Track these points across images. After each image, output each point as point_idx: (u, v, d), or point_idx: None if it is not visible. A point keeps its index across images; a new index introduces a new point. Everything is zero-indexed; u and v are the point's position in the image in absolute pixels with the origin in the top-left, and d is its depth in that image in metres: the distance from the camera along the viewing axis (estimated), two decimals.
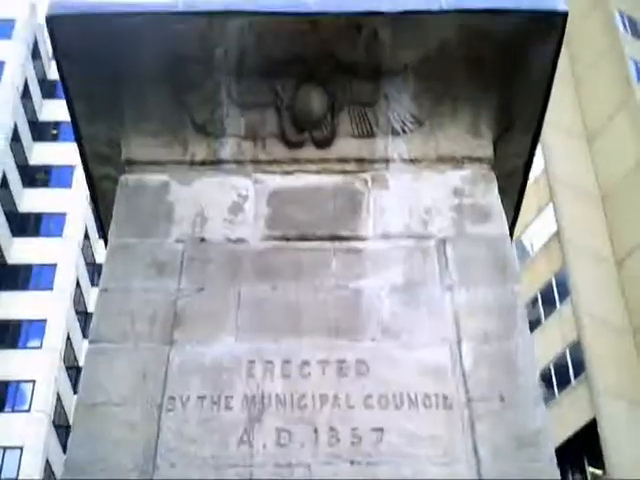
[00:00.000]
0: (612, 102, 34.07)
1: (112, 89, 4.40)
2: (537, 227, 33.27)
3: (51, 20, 4.08)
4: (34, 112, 52.88)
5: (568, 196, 32.53)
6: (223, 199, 4.33)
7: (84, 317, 47.22)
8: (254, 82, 4.44)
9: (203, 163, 4.45)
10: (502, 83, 4.39)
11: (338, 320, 3.90)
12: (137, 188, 4.39)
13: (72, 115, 4.56)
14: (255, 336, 3.86)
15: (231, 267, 4.10)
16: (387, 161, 4.42)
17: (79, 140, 4.66)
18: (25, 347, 44.02)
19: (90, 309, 46.20)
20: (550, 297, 31.70)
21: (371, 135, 4.44)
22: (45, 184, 51.30)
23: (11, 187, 48.45)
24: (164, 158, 4.44)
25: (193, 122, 4.46)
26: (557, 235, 31.83)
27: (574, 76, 36.29)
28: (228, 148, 4.46)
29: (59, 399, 42.66)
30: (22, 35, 51.24)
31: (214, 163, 4.45)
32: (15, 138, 49.31)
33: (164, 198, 4.33)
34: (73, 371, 44.50)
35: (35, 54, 52.59)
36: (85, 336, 43.41)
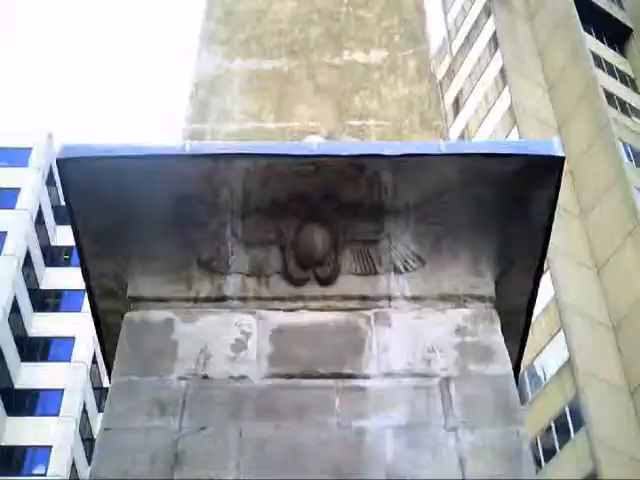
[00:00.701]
0: (619, 231, 34.39)
1: (119, 228, 4.50)
2: (549, 353, 33.04)
3: (61, 164, 4.23)
4: (47, 237, 53.62)
5: (579, 324, 32.41)
6: (227, 336, 4.36)
7: (90, 444, 46.52)
8: (258, 221, 4.54)
9: (207, 300, 4.50)
10: (502, 224, 4.48)
11: (341, 461, 3.85)
12: (141, 325, 4.43)
13: (80, 252, 4.65)
14: (257, 476, 3.81)
15: (233, 405, 4.08)
16: (390, 299, 4.46)
17: (86, 275, 4.73)
18: (30, 474, 43.22)
19: (96, 435, 45.49)
20: (564, 426, 31.17)
21: (374, 273, 4.50)
22: (55, 308, 51.52)
23: (22, 311, 48.64)
24: (169, 295, 4.50)
25: (198, 259, 4.54)
26: (569, 363, 31.52)
27: (580, 206, 36.76)
28: (232, 285, 4.51)
29: None
30: (38, 163, 52.55)
31: (218, 300, 4.50)
32: (27, 263, 49.83)
33: (168, 336, 4.36)
34: None
35: (50, 180, 53.77)
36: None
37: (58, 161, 4.24)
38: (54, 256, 53.34)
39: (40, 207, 52.43)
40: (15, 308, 47.59)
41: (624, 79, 45.34)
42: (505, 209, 4.44)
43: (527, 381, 33.35)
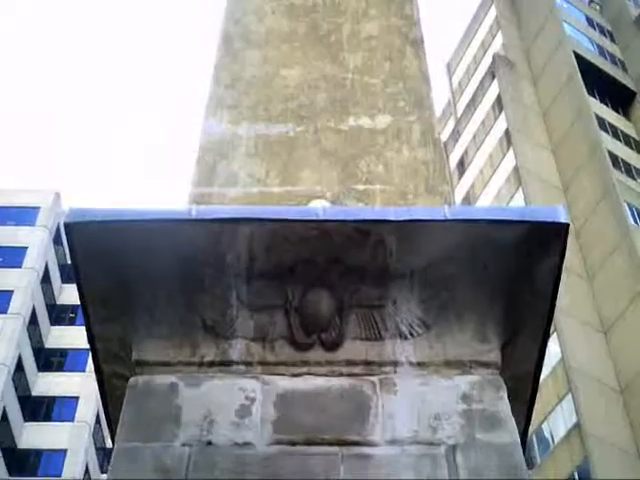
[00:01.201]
0: (626, 294, 34.27)
1: (125, 292, 4.51)
2: (557, 417, 32.68)
3: (69, 228, 4.25)
4: (53, 295, 53.65)
5: (587, 387, 32.10)
6: (231, 401, 4.32)
7: None
8: (264, 285, 4.54)
9: (212, 364, 4.47)
10: (507, 290, 4.47)
11: None
12: (145, 390, 4.40)
13: (85, 315, 4.65)
14: None
15: (237, 472, 4.04)
16: (395, 364, 4.43)
17: (91, 338, 4.72)
18: None
19: None
20: None
21: (379, 338, 4.48)
22: (60, 368, 51.31)
23: (26, 370, 48.43)
24: (173, 359, 4.48)
25: (203, 323, 4.53)
26: (577, 427, 31.14)
27: (587, 267, 36.70)
28: (237, 350, 4.49)
29: None
30: (45, 221, 52.87)
31: (223, 364, 4.47)
32: (33, 322, 49.78)
33: (172, 401, 4.33)
34: None
35: (57, 239, 54.02)
36: None
37: (66, 225, 4.27)
38: (60, 314, 53.30)
39: (47, 265, 52.58)
40: (19, 367, 47.41)
41: (628, 142, 45.65)
42: (511, 275, 4.44)
43: (535, 445, 32.94)
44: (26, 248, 51.32)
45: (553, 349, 31.92)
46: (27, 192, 54.12)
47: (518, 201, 40.54)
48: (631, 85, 49.42)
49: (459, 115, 53.66)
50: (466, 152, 50.07)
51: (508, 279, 4.45)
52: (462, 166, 49.97)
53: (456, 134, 52.26)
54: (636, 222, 37.74)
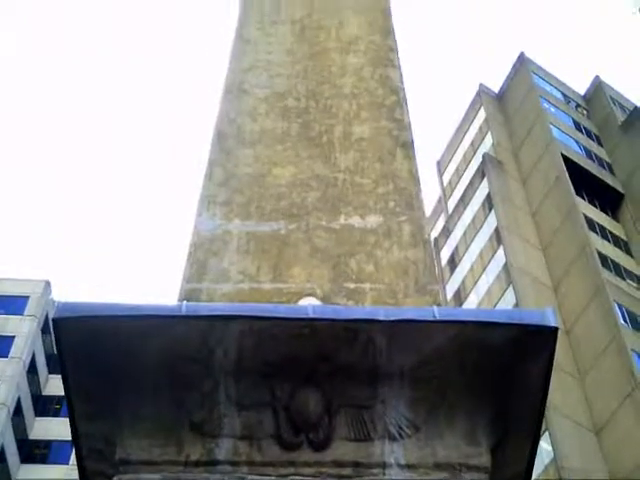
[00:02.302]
0: (617, 394, 34.03)
1: (111, 388, 4.47)
2: None
3: (56, 323, 4.24)
4: (39, 386, 52.96)
5: None
6: None
7: None
8: (252, 383, 4.51)
9: (198, 464, 4.40)
10: (497, 392, 4.46)
11: None
12: None
13: (70, 411, 4.59)
14: None
15: None
16: (384, 466, 4.38)
17: (75, 435, 4.65)
18: None
19: None
20: None
21: (367, 439, 4.43)
22: (43, 460, 50.31)
23: (9, 462, 47.46)
24: (158, 458, 4.41)
25: (190, 421, 4.47)
26: None
27: (578, 366, 36.54)
28: (224, 449, 4.43)
29: None
30: (34, 311, 52.60)
31: (209, 464, 4.40)
32: (17, 413, 48.99)
33: None
34: None
35: (45, 328, 53.66)
36: None
37: (53, 320, 4.26)
38: (45, 405, 52.46)
39: (34, 355, 52.02)
40: (1, 457, 46.39)
41: (617, 242, 46.09)
42: (500, 377, 4.43)
43: None
44: (13, 337, 50.90)
45: (545, 448, 31.45)
46: (17, 281, 53.97)
47: (509, 299, 40.61)
48: (619, 187, 50.18)
49: (450, 212, 54.21)
50: (457, 249, 50.38)
51: (498, 381, 4.44)
52: (453, 263, 50.20)
53: (447, 231, 52.69)
54: (626, 322, 37.76)
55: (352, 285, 5.47)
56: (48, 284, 54.96)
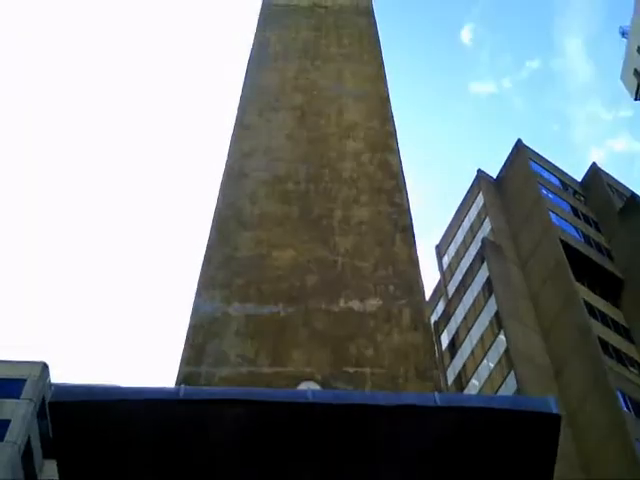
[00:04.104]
0: None
1: (106, 474, 4.39)
2: None
3: (53, 407, 4.20)
4: (33, 470, 52.00)
5: None
6: None
7: None
8: (250, 463, 4.44)
9: None
10: (501, 478, 4.37)
11: None
12: None
13: None
14: None
15: None
16: None
17: None
18: None
19: None
20: None
21: None
22: None
23: None
24: None
25: None
26: None
27: (581, 455, 35.95)
28: None
29: None
30: (31, 394, 52.03)
31: None
32: None
33: None
34: None
35: (41, 411, 52.91)
36: None
37: (50, 404, 4.21)
38: None
39: (29, 439, 51.25)
40: None
41: (618, 329, 45.89)
42: (503, 462, 4.36)
43: None
44: (9, 421, 50.23)
45: None
46: (14, 364, 53.56)
47: (511, 384, 40.21)
48: (618, 273, 50.23)
49: (450, 296, 54.14)
50: (457, 333, 50.13)
51: (500, 467, 4.36)
52: (453, 347, 49.88)
53: (447, 315, 52.52)
54: (629, 410, 37.30)
55: (352, 369, 5.42)
56: (46, 366, 54.54)
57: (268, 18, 9.46)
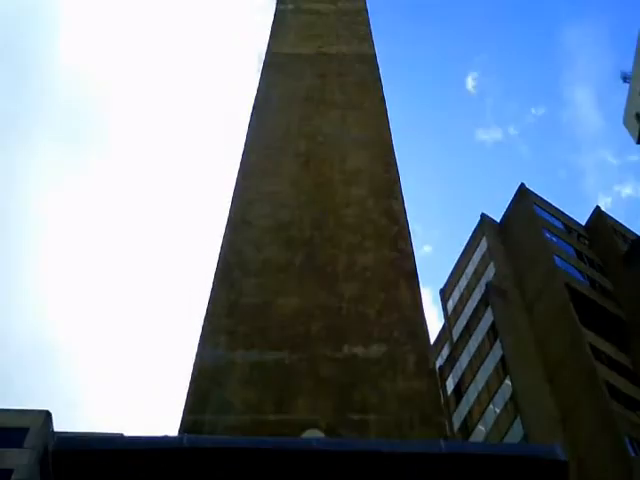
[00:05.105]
0: None
1: None
2: None
3: (55, 456, 4.17)
4: None
5: None
6: None
7: None
8: None
9: None
10: None
11: None
12: None
13: None
14: None
15: None
16: None
17: None
18: None
19: None
20: None
21: None
22: None
23: None
24: None
25: None
26: None
27: None
28: None
29: None
30: (33, 443, 51.63)
31: None
32: None
33: None
34: None
35: (44, 460, 52.45)
36: None
37: (53, 453, 4.19)
38: None
39: None
40: None
41: (625, 373, 45.54)
42: None
43: None
44: (12, 471, 49.78)
45: None
46: (17, 413, 53.23)
47: (517, 431, 39.83)
48: (624, 317, 50.02)
49: (455, 341, 53.90)
50: (463, 378, 49.80)
51: None
52: (459, 392, 49.52)
53: (452, 360, 52.23)
54: (637, 455, 36.85)
55: (357, 416, 5.38)
56: (49, 415, 54.20)
57: (272, 65, 9.57)
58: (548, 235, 54.53)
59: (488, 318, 49.15)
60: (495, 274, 52.95)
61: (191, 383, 5.68)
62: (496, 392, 44.92)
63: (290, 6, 11.22)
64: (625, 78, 69.68)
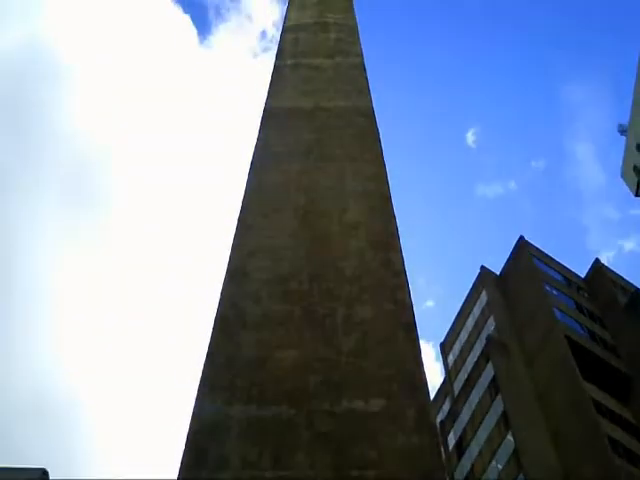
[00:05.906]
0: None
1: None
2: None
3: None
4: None
5: None
6: None
7: None
8: None
9: None
10: None
11: None
12: None
13: None
14: None
15: None
16: None
17: None
18: None
19: None
20: None
21: None
22: None
23: None
24: None
25: None
26: None
27: None
28: None
29: None
30: None
31: None
32: None
33: None
34: None
35: None
36: None
37: None
38: None
39: None
40: None
41: (628, 427, 45.15)
42: None
43: None
44: None
45: None
46: (12, 470, 52.57)
47: None
48: (624, 369, 49.77)
49: (455, 395, 53.51)
50: (464, 433, 49.35)
51: None
52: (461, 447, 49.05)
53: (453, 414, 51.81)
54: None
55: (355, 472, 5.30)
56: (45, 473, 53.58)
57: (270, 120, 9.64)
58: (548, 288, 54.56)
59: (489, 372, 48.88)
60: (495, 327, 52.81)
61: (187, 439, 5.61)
62: (498, 447, 44.50)
63: (289, 62, 11.35)
64: (622, 131, 70.25)
